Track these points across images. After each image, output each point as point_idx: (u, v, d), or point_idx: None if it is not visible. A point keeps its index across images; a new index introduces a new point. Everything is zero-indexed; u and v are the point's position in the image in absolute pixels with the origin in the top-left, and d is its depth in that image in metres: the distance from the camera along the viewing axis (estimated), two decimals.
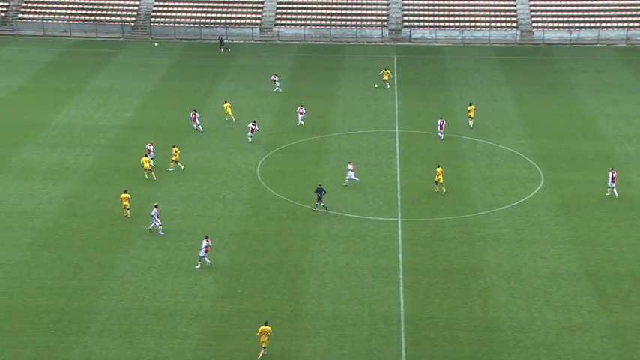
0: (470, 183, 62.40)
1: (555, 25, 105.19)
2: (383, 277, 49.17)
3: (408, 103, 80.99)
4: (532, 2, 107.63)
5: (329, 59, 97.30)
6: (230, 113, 74.76)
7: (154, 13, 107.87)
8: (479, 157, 67.48)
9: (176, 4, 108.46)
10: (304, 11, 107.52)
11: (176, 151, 63.71)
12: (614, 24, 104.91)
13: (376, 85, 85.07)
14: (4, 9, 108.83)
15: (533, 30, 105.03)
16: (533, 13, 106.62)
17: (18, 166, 64.85)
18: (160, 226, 53.86)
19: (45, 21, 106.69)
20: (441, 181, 59.95)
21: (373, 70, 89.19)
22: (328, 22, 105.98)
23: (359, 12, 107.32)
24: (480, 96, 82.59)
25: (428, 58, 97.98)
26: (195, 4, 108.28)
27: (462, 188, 61.42)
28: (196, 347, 42.83)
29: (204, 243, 49.64)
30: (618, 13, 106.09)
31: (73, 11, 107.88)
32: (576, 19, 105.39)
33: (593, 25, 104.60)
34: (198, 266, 49.85)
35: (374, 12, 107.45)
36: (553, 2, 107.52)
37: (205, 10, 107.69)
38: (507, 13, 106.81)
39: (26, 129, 72.69)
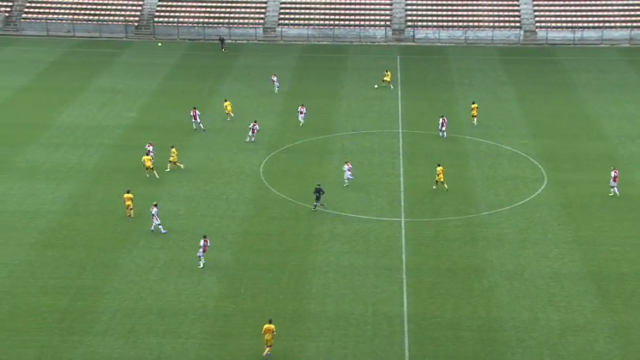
0: (473, 183, 62.38)
1: (559, 25, 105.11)
2: (386, 277, 49.16)
3: (411, 103, 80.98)
4: (535, 2, 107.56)
5: (332, 59, 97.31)
6: (230, 112, 74.81)
7: (157, 13, 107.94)
8: (482, 157, 67.45)
9: (179, 4, 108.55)
10: (307, 11, 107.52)
11: (174, 152, 63.71)
12: (618, 24, 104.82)
13: (376, 86, 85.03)
14: (8, 9, 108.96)
15: (537, 30, 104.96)
16: (536, 13, 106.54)
17: (22, 166, 64.92)
18: (160, 225, 53.90)
19: (49, 21, 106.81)
20: (442, 179, 59.98)
21: (376, 70, 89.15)
22: (331, 22, 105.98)
23: (362, 12, 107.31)
24: (483, 96, 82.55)
25: (431, 58, 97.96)
26: (199, 4, 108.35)
27: (466, 188, 61.40)
28: (199, 347, 42.84)
29: (202, 242, 49.70)
30: (622, 13, 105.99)
31: (77, 11, 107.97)
32: (580, 19, 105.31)
33: (596, 25, 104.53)
34: (201, 266, 49.89)
35: (377, 12, 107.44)
36: (556, 2, 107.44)
37: (209, 10, 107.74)
38: (511, 13, 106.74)
39: (30, 129, 72.77)
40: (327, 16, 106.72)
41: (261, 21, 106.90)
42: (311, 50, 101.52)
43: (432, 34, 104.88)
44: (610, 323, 44.84)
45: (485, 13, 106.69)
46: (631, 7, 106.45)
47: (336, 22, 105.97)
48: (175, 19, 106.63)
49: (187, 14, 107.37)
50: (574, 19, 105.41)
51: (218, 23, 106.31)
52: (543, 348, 42.82)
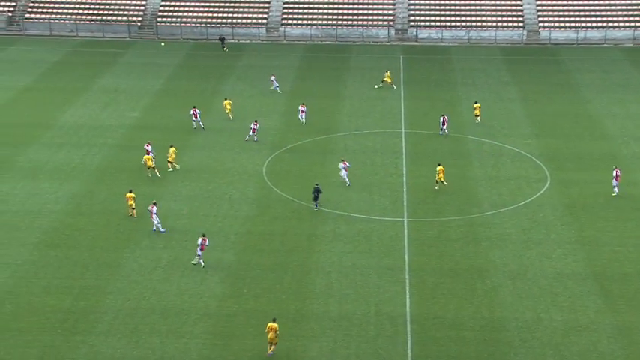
0: (476, 183, 62.35)
1: (562, 25, 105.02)
2: (389, 277, 49.15)
3: (414, 103, 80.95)
4: (539, 2, 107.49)
5: (335, 59, 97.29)
6: (229, 111, 74.80)
7: (160, 13, 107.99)
8: (485, 157, 67.42)
9: (182, 4, 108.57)
10: (310, 11, 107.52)
11: (172, 152, 63.65)
12: (621, 24, 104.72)
13: (376, 86, 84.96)
14: (12, 9, 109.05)
15: (540, 30, 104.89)
16: (539, 13, 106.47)
17: (25, 166, 64.97)
18: (159, 223, 53.91)
19: (52, 21, 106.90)
20: (442, 179, 59.99)
21: (379, 70, 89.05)
22: (334, 22, 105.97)
23: (365, 12, 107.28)
24: (486, 96, 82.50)
25: (434, 58, 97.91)
26: (202, 4, 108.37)
27: (469, 188, 61.37)
28: (202, 347, 42.85)
29: (200, 240, 49.69)
30: (625, 13, 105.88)
31: (80, 11, 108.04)
32: (583, 19, 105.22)
33: (600, 25, 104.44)
34: (195, 261, 49.87)
35: (380, 12, 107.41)
36: (560, 2, 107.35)
37: (212, 10, 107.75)
38: (514, 13, 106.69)
39: (33, 129, 72.83)
40: (330, 16, 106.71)
41: (264, 21, 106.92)
42: (314, 50, 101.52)
43: (435, 34, 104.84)
44: (613, 323, 44.80)
45: (488, 13, 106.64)
46: (634, 7, 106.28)
47: (339, 22, 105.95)
48: (178, 19, 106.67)
49: (190, 14, 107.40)
50: (577, 19, 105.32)
51: (221, 23, 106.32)
52: (546, 348, 42.78)
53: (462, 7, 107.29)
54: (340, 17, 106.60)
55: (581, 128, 74.30)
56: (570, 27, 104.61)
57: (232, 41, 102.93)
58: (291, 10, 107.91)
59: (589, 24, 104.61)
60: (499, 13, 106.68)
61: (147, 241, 53.16)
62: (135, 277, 48.99)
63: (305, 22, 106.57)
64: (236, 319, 45.13)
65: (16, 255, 51.38)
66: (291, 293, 47.48)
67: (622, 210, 57.79)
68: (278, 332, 41.85)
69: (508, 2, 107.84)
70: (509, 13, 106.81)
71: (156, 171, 62.24)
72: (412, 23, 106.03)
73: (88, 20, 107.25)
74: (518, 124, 74.95)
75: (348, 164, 61.79)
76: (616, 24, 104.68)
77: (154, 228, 54.07)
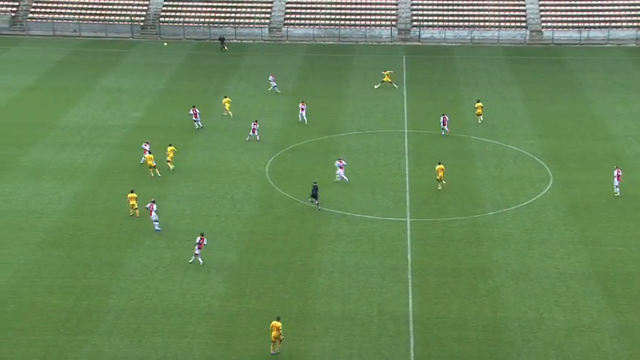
0: (479, 183, 62.32)
1: (565, 24, 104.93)
2: (392, 277, 49.14)
3: (416, 102, 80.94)
4: (541, 2, 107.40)
5: (338, 59, 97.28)
6: (228, 109, 74.78)
7: (163, 13, 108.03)
8: (488, 156, 67.38)
9: (185, 4, 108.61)
10: (313, 11, 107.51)
11: (170, 150, 63.59)
12: (624, 24, 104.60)
13: (375, 86, 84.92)
14: (15, 9, 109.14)
15: (543, 30, 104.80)
16: (542, 13, 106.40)
17: (28, 166, 65.03)
18: (156, 221, 53.90)
19: (55, 21, 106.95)
20: (442, 177, 60.01)
21: (382, 70, 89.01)
22: (337, 22, 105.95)
23: (368, 12, 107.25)
24: (489, 96, 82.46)
25: (437, 58, 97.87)
26: (205, 3, 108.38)
27: (471, 188, 61.35)
28: (205, 347, 42.87)
29: (198, 239, 49.68)
30: (628, 12, 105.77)
31: (83, 11, 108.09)
32: (586, 18, 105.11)
33: (602, 24, 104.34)
34: (201, 263, 49.88)
35: (383, 12, 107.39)
36: (562, 2, 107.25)
37: (214, 10, 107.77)
38: (517, 13, 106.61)
39: (36, 128, 72.90)
40: (333, 16, 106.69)
41: (267, 21, 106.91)
42: (317, 50, 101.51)
43: (437, 33, 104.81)
44: (616, 323, 44.77)
45: (491, 12, 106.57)
46: (637, 7, 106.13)
47: (342, 22, 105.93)
48: (181, 19, 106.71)
49: (193, 14, 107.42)
50: (580, 19, 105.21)
51: (224, 23, 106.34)
52: (549, 348, 42.76)
53: (465, 7, 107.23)
54: (343, 17, 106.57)
55: (584, 128, 74.24)
56: (573, 27, 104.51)
57: (235, 41, 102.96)
58: (293, 10, 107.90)
59: (592, 24, 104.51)
60: (502, 12, 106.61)
61: (149, 241, 53.18)
62: (137, 277, 49.02)
63: (307, 22, 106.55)
64: (239, 318, 45.15)
65: (19, 254, 51.44)
66: (293, 293, 47.49)
67: (625, 210, 57.74)
68: (281, 331, 41.83)
69: (511, 2, 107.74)
70: (511, 12, 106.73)
71: (157, 170, 62.28)
72: (415, 23, 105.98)
73: (90, 20, 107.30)
74: (521, 124, 74.91)
75: (344, 162, 61.83)
76: (619, 24, 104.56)
77: (156, 228, 54.05)
